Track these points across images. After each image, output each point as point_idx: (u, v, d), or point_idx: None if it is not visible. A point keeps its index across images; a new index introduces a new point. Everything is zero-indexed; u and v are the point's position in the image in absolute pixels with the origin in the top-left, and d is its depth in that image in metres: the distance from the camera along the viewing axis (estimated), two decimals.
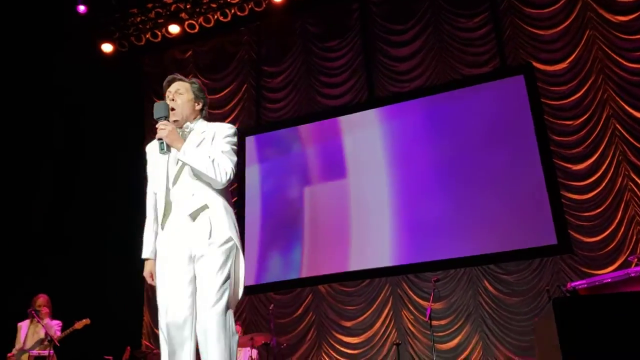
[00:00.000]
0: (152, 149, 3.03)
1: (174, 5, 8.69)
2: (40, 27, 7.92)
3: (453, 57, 7.98)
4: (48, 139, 8.17)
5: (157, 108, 2.85)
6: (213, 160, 2.79)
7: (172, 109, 2.94)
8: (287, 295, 7.99)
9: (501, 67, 7.70)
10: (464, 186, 7.41)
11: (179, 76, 3.07)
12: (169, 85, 3.04)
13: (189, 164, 2.77)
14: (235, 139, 2.98)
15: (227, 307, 2.70)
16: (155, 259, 2.91)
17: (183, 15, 8.72)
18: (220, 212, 2.82)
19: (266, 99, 8.90)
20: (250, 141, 8.73)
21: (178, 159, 2.84)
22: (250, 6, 8.52)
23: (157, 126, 2.80)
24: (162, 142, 2.78)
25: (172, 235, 2.81)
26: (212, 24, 8.70)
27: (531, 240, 6.92)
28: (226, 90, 9.03)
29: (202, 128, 2.97)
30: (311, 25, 8.87)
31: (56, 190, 8.09)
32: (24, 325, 6.21)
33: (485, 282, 7.11)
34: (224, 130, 2.95)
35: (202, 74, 9.21)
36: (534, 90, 7.39)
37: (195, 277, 2.75)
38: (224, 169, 2.81)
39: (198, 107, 3.04)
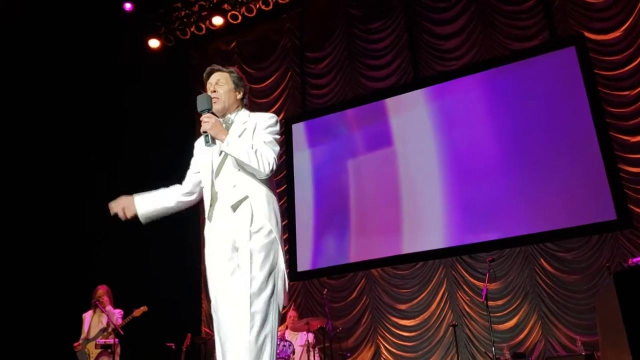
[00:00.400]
0: (199, 143, 3.07)
1: None
2: (89, 26, 8.12)
3: (500, 32, 7.78)
4: (100, 136, 8.40)
5: (200, 101, 2.88)
6: (256, 151, 2.79)
7: (215, 100, 2.96)
8: (341, 280, 8.03)
9: (551, 39, 7.46)
10: (516, 163, 7.26)
11: (218, 66, 3.09)
12: (208, 77, 3.07)
13: (232, 155, 2.79)
14: (277, 128, 2.97)
15: (267, 303, 2.70)
16: (137, 203, 3.04)
17: (225, 6, 8.80)
18: (261, 203, 2.82)
19: (311, 85, 8.91)
20: (297, 128, 8.77)
21: (221, 151, 2.86)
22: None
23: (200, 119, 2.83)
24: (207, 135, 2.81)
25: (215, 227, 2.86)
26: (254, 14, 8.75)
27: (589, 216, 6.72)
28: (271, 79, 9.08)
29: (243, 118, 3.00)
30: (353, 8, 8.80)
31: (109, 183, 8.32)
32: (87, 316, 6.47)
33: (542, 260, 6.95)
34: (265, 121, 2.95)
35: (246, 64, 9.30)
36: (587, 61, 7.13)
37: (238, 266, 2.78)
38: (267, 159, 2.80)
39: (239, 96, 3.06)
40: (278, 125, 3.00)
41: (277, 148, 2.92)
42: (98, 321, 6.41)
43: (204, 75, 3.09)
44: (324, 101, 8.74)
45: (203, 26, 9.02)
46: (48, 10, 7.63)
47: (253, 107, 8.94)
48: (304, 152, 8.62)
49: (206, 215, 2.92)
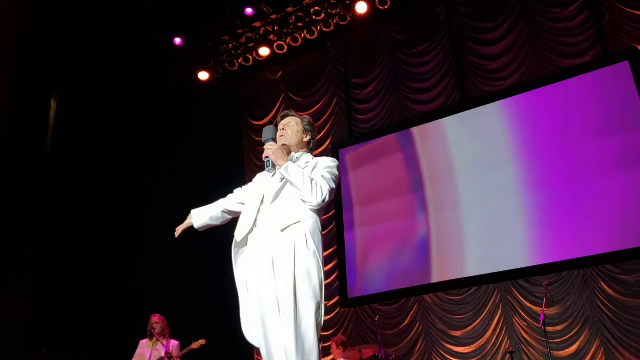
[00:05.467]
0: (260, 174, 3.26)
1: (262, 29, 8.96)
2: (142, 61, 8.43)
3: (549, 49, 7.64)
4: (153, 168, 8.62)
5: (266, 131, 3.09)
6: (312, 180, 2.92)
7: (281, 136, 3.17)
8: (393, 306, 7.90)
9: (603, 54, 7.27)
10: (571, 183, 7.04)
11: (292, 112, 3.32)
12: (282, 119, 3.28)
13: (288, 178, 2.91)
14: (336, 171, 3.08)
15: (310, 327, 2.75)
16: (193, 216, 3.40)
17: (272, 37, 8.97)
18: (312, 227, 2.91)
19: (357, 111, 8.93)
20: (344, 153, 8.78)
21: (282, 179, 2.99)
22: (335, 21, 8.62)
23: (264, 147, 3.02)
24: (268, 160, 2.99)
25: (260, 247, 2.92)
26: (299, 43, 8.89)
27: None
28: (317, 106, 9.15)
29: (306, 159, 3.14)
30: (397, 33, 8.82)
31: (164, 209, 8.50)
32: (143, 343, 6.56)
33: (602, 283, 6.66)
34: (326, 162, 3.09)
35: (293, 93, 9.42)
36: None
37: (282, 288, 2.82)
38: (321, 189, 2.92)
39: (306, 138, 3.24)
40: (338, 169, 3.11)
41: (333, 185, 3.01)
42: (153, 349, 6.48)
43: (278, 118, 3.31)
44: (370, 125, 8.74)
45: (250, 57, 9.21)
46: (104, 49, 7.97)
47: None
48: (352, 176, 8.61)
49: (239, 238, 3.00)
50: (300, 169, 2.94)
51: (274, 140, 3.07)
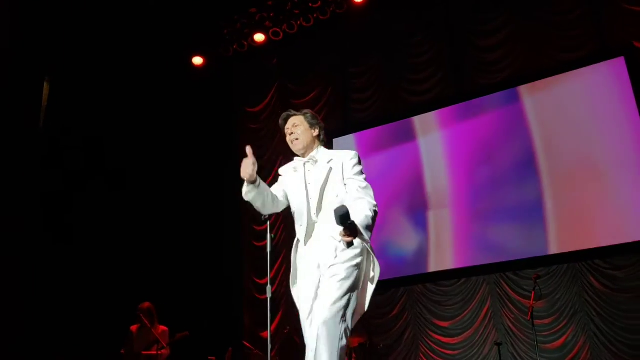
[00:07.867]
0: (285, 170, 3.34)
1: (258, 15, 8.88)
2: (136, 46, 8.35)
3: (546, 42, 7.60)
4: (146, 152, 8.57)
5: (342, 217, 2.76)
6: (369, 215, 2.97)
7: (295, 141, 3.23)
8: (382, 296, 7.93)
9: (599, 49, 7.25)
10: (562, 178, 7.06)
11: (293, 111, 3.36)
12: (285, 123, 3.32)
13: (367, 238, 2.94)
14: (361, 165, 3.19)
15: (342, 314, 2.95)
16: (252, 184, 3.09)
17: (267, 23, 8.88)
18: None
19: (352, 100, 8.89)
20: (338, 142, 8.75)
21: (321, 189, 3.10)
22: (331, 9, 8.53)
23: (345, 235, 2.80)
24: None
25: (311, 250, 3.10)
26: (295, 30, 8.81)
27: None
28: (312, 94, 9.10)
29: (326, 157, 3.21)
30: (394, 22, 8.76)
31: (155, 198, 8.46)
32: (134, 329, 6.62)
33: (591, 278, 6.70)
34: (351, 160, 3.16)
35: (288, 80, 9.38)
36: (638, 72, 6.89)
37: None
38: (374, 208, 3.05)
39: (315, 133, 3.29)
40: (360, 160, 3.21)
41: (369, 186, 3.14)
42: (142, 335, 6.55)
43: (280, 121, 3.34)
44: (365, 115, 8.71)
45: (245, 43, 9.13)
46: (98, 33, 7.90)
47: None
48: None
49: (302, 241, 3.15)
50: (361, 219, 2.90)
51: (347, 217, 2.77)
